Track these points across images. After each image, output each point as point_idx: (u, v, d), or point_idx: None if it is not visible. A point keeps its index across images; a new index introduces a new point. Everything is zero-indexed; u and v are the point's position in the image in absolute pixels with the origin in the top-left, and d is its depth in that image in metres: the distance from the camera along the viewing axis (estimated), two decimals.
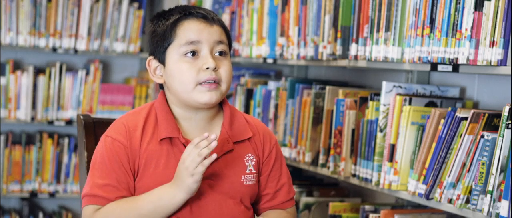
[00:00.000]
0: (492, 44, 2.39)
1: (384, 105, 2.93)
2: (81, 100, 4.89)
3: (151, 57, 2.29)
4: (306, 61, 3.42)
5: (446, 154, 2.62)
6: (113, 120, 2.34)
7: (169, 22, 2.25)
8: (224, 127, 2.29)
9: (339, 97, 3.19)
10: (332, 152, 3.19)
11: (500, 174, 2.40)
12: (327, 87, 3.30)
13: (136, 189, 2.23)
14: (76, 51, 4.85)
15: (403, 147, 2.81)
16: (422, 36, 2.67)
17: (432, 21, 2.63)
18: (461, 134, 2.57)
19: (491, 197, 2.41)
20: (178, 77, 2.22)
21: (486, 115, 2.52)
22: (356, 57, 3.02)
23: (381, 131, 2.93)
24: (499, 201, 2.39)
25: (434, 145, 2.66)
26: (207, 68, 2.20)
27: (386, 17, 2.85)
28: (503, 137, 2.38)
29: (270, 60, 3.73)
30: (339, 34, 3.14)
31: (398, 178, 2.83)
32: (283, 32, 3.60)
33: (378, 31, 2.89)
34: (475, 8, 2.45)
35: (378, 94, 2.98)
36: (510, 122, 2.38)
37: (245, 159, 2.29)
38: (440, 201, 2.62)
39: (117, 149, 2.21)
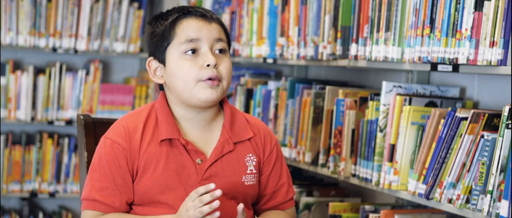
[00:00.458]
0: (492, 44, 2.39)
1: (384, 105, 2.93)
2: (81, 100, 4.89)
3: (151, 58, 2.29)
4: (306, 61, 3.42)
5: (446, 154, 2.62)
6: (113, 120, 2.34)
7: (167, 22, 2.25)
8: (224, 127, 2.29)
9: (339, 97, 3.19)
10: (332, 152, 3.19)
11: (500, 174, 2.40)
12: (327, 87, 3.30)
13: (135, 191, 2.23)
14: (76, 51, 4.85)
15: (403, 147, 2.81)
16: (422, 36, 2.67)
17: (432, 21, 2.63)
18: (461, 134, 2.57)
19: (491, 197, 2.41)
20: (179, 75, 2.22)
21: (486, 115, 2.52)
22: (356, 57, 3.02)
23: (381, 131, 2.93)
24: (499, 201, 2.39)
25: (434, 145, 2.66)
26: (208, 65, 2.21)
27: (386, 17, 2.85)
28: (503, 137, 2.38)
29: (270, 60, 3.73)
30: (339, 34, 3.14)
31: (398, 178, 2.83)
32: (283, 32, 3.60)
33: (378, 31, 2.89)
34: (475, 8, 2.45)
35: (378, 94, 2.98)
36: (510, 122, 2.38)
37: (245, 159, 2.29)
38: (440, 201, 2.62)
39: (116, 152, 2.21)
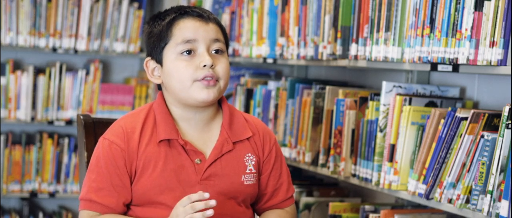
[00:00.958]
0: (492, 44, 2.39)
1: (384, 105, 2.93)
2: (81, 100, 4.89)
3: (149, 58, 2.29)
4: (306, 61, 3.42)
5: (446, 154, 2.62)
6: (113, 120, 2.34)
7: (165, 22, 2.25)
8: (223, 127, 2.29)
9: (339, 97, 3.19)
10: (332, 152, 3.19)
11: (500, 174, 2.40)
12: (327, 87, 3.30)
13: (133, 191, 2.23)
14: (76, 51, 4.85)
15: (403, 147, 2.81)
16: (422, 36, 2.67)
17: (432, 21, 2.63)
18: (461, 134, 2.57)
19: (491, 197, 2.41)
20: (175, 76, 2.22)
21: (486, 115, 2.52)
22: (356, 57, 3.02)
23: (381, 131, 2.93)
24: (499, 201, 2.39)
25: (434, 145, 2.66)
26: (204, 66, 2.21)
27: (386, 17, 2.85)
28: (503, 137, 2.38)
29: (270, 60, 3.73)
30: (339, 34, 3.13)
31: (398, 178, 2.83)
32: (283, 32, 3.60)
33: (378, 31, 2.89)
34: (475, 8, 2.45)
35: (378, 94, 2.98)
36: (510, 122, 2.38)
37: (245, 159, 2.29)
38: (440, 201, 2.62)
39: (114, 152, 2.21)
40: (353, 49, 3.03)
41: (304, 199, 3.40)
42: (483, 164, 2.45)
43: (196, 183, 2.22)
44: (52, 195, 4.85)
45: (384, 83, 2.93)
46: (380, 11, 2.88)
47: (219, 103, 2.33)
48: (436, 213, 2.92)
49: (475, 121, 2.54)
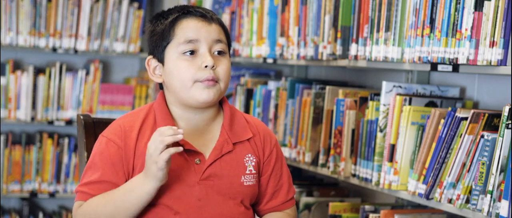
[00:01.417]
0: (492, 44, 2.39)
1: (384, 105, 2.93)
2: (81, 100, 4.89)
3: (150, 56, 2.29)
4: (306, 61, 3.42)
5: (446, 154, 2.62)
6: (113, 120, 2.34)
7: (167, 21, 2.25)
8: (224, 127, 2.29)
9: (339, 97, 3.19)
10: (332, 152, 3.19)
11: (500, 174, 2.40)
12: (327, 87, 3.30)
13: None
14: (76, 51, 4.85)
15: (403, 147, 2.81)
16: (422, 36, 2.67)
17: (432, 21, 2.63)
18: (461, 134, 2.57)
19: (491, 197, 2.41)
20: (176, 75, 2.22)
21: (486, 115, 2.52)
22: (356, 57, 3.02)
23: (381, 131, 2.93)
24: (499, 201, 2.39)
25: (434, 145, 2.66)
26: (206, 66, 2.20)
27: (386, 17, 2.85)
28: (503, 137, 2.38)
29: (270, 60, 3.73)
30: (339, 34, 3.14)
31: (398, 178, 2.83)
32: (283, 32, 3.60)
33: (378, 31, 2.89)
34: (475, 8, 2.45)
35: (378, 94, 2.98)
36: (510, 122, 2.38)
37: (245, 160, 2.29)
38: (440, 201, 2.62)
39: (110, 149, 2.21)
40: (353, 49, 3.03)
41: (304, 199, 3.40)
42: (483, 164, 2.45)
43: (195, 183, 2.22)
44: (52, 195, 4.85)
45: (384, 83, 2.93)
46: (380, 11, 2.88)
47: (220, 104, 2.33)
48: (436, 213, 2.92)
49: (475, 121, 2.54)
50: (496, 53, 2.37)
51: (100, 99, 4.95)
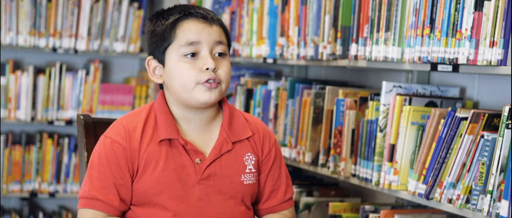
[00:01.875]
0: (492, 44, 2.39)
1: (384, 105, 2.93)
2: (81, 100, 4.89)
3: (151, 57, 2.29)
4: (306, 61, 3.42)
5: (446, 154, 2.62)
6: (113, 120, 2.33)
7: (168, 22, 2.24)
8: (223, 127, 2.29)
9: (339, 97, 3.19)
10: (332, 152, 3.19)
11: (500, 174, 2.40)
12: (327, 87, 3.30)
13: (134, 190, 2.22)
14: (76, 51, 4.85)
15: (403, 147, 2.81)
16: (422, 36, 2.67)
17: (432, 21, 2.63)
18: (461, 134, 2.57)
19: (491, 197, 2.40)
20: (178, 78, 2.22)
21: (486, 115, 2.52)
22: (356, 57, 3.02)
23: (381, 131, 2.93)
24: (499, 201, 2.39)
25: (434, 145, 2.66)
26: (207, 69, 2.20)
27: (386, 17, 2.85)
28: (503, 137, 2.38)
29: (270, 60, 3.73)
30: (339, 34, 3.13)
31: (398, 178, 2.83)
32: (283, 32, 3.60)
33: (378, 31, 2.89)
34: (475, 8, 2.45)
35: (378, 94, 2.98)
36: (510, 122, 2.38)
37: (244, 158, 2.29)
38: (440, 201, 2.62)
39: (116, 151, 2.21)
40: (353, 49, 3.03)
41: (304, 199, 3.40)
42: (483, 164, 2.45)
43: (196, 183, 2.22)
44: (52, 195, 4.85)
45: (384, 83, 2.93)
46: (380, 11, 2.88)
47: (220, 103, 2.33)
48: (436, 213, 2.92)
49: (475, 121, 2.54)
50: (496, 53, 2.37)
51: (100, 99, 4.95)
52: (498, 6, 2.38)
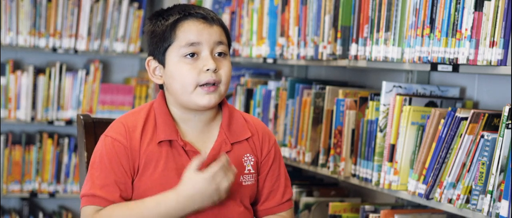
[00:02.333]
0: (492, 44, 2.39)
1: (384, 105, 2.93)
2: (81, 100, 4.89)
3: (151, 57, 2.28)
4: (306, 61, 3.42)
5: (446, 154, 2.62)
6: (113, 120, 2.33)
7: (168, 22, 2.23)
8: (222, 128, 2.28)
9: (339, 97, 3.19)
10: (332, 152, 3.19)
11: (500, 174, 2.40)
12: (327, 87, 3.30)
13: (134, 189, 2.22)
14: (76, 51, 4.85)
15: (403, 147, 2.81)
16: (422, 36, 2.67)
17: (432, 21, 2.63)
18: (461, 134, 2.57)
19: (491, 197, 2.40)
20: (178, 78, 2.21)
21: (486, 115, 2.52)
22: (356, 57, 3.02)
23: (381, 131, 2.93)
24: (499, 201, 2.39)
25: (434, 145, 2.66)
26: (208, 69, 2.20)
27: (386, 17, 2.85)
28: (503, 137, 2.38)
29: (270, 60, 3.73)
30: (339, 34, 3.13)
31: (398, 178, 2.83)
32: (283, 32, 3.60)
33: (378, 31, 2.89)
34: (475, 8, 2.45)
35: (378, 94, 2.98)
36: (510, 122, 2.38)
37: (243, 159, 2.29)
38: (440, 201, 2.62)
39: (117, 149, 2.21)
40: (353, 49, 3.03)
41: (304, 199, 3.40)
42: (483, 164, 2.45)
43: None
44: (52, 195, 4.85)
45: (384, 83, 2.93)
46: (380, 11, 2.88)
47: (219, 104, 2.32)
48: (436, 213, 2.92)
49: (475, 121, 2.54)
50: (496, 53, 2.37)
51: (100, 99, 4.94)
52: (498, 6, 2.38)
